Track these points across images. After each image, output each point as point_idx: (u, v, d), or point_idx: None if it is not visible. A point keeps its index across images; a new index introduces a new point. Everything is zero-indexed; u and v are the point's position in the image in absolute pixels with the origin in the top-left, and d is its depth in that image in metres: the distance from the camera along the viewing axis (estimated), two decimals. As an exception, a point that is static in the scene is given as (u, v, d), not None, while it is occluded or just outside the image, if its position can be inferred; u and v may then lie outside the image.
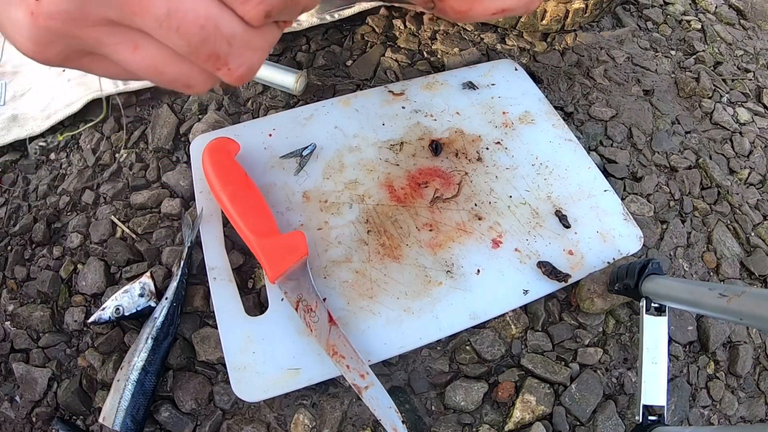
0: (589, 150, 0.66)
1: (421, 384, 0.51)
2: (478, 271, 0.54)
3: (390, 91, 0.67)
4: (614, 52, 0.78)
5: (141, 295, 0.52)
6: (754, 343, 0.56)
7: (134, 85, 0.69)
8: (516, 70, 0.70)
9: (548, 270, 0.53)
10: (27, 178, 0.65)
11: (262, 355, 0.48)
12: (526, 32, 0.77)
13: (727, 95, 0.76)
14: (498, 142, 0.63)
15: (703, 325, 0.56)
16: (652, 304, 0.48)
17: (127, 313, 0.51)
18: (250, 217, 0.52)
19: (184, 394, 0.49)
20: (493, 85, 0.68)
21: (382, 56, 0.74)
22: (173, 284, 0.52)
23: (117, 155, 0.65)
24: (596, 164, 0.63)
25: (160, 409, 0.48)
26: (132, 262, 0.57)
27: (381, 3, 0.77)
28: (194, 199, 0.58)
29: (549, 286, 0.54)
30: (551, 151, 0.63)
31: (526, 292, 0.53)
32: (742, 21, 0.88)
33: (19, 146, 0.67)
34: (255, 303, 0.53)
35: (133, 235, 0.58)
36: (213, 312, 0.51)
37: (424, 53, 0.75)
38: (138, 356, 0.48)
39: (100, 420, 0.46)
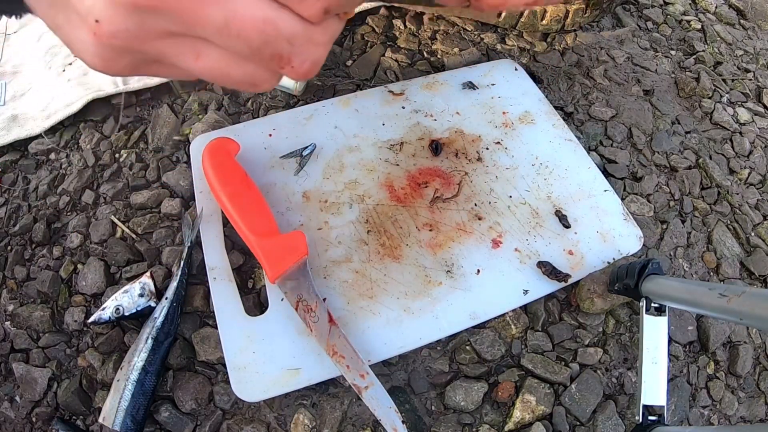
0: (589, 150, 0.66)
1: (421, 384, 0.51)
2: (478, 271, 0.54)
3: (390, 91, 0.67)
4: (614, 52, 0.78)
5: (141, 295, 0.52)
6: (754, 343, 0.57)
7: (134, 85, 0.69)
8: (516, 70, 0.70)
9: (548, 270, 0.53)
10: (27, 178, 0.65)
11: (262, 355, 0.48)
12: (526, 32, 0.77)
13: (727, 95, 0.76)
14: (498, 142, 0.63)
15: (703, 325, 0.56)
16: (652, 304, 0.48)
17: (127, 313, 0.51)
18: (250, 217, 0.51)
19: (184, 394, 0.49)
20: (493, 85, 0.68)
21: (382, 56, 0.74)
22: (173, 284, 0.52)
23: (117, 155, 0.65)
24: (596, 164, 0.63)
25: (160, 409, 0.48)
26: (132, 262, 0.57)
27: (381, 3, 0.77)
28: (194, 199, 0.58)
29: (549, 286, 0.54)
30: (551, 151, 0.63)
31: (526, 292, 0.53)
32: (742, 21, 0.88)
33: (19, 146, 0.67)
34: (255, 303, 0.53)
35: (133, 235, 0.58)
36: (213, 312, 0.51)
37: (424, 53, 0.75)
38: (138, 356, 0.48)
39: (100, 420, 0.46)
